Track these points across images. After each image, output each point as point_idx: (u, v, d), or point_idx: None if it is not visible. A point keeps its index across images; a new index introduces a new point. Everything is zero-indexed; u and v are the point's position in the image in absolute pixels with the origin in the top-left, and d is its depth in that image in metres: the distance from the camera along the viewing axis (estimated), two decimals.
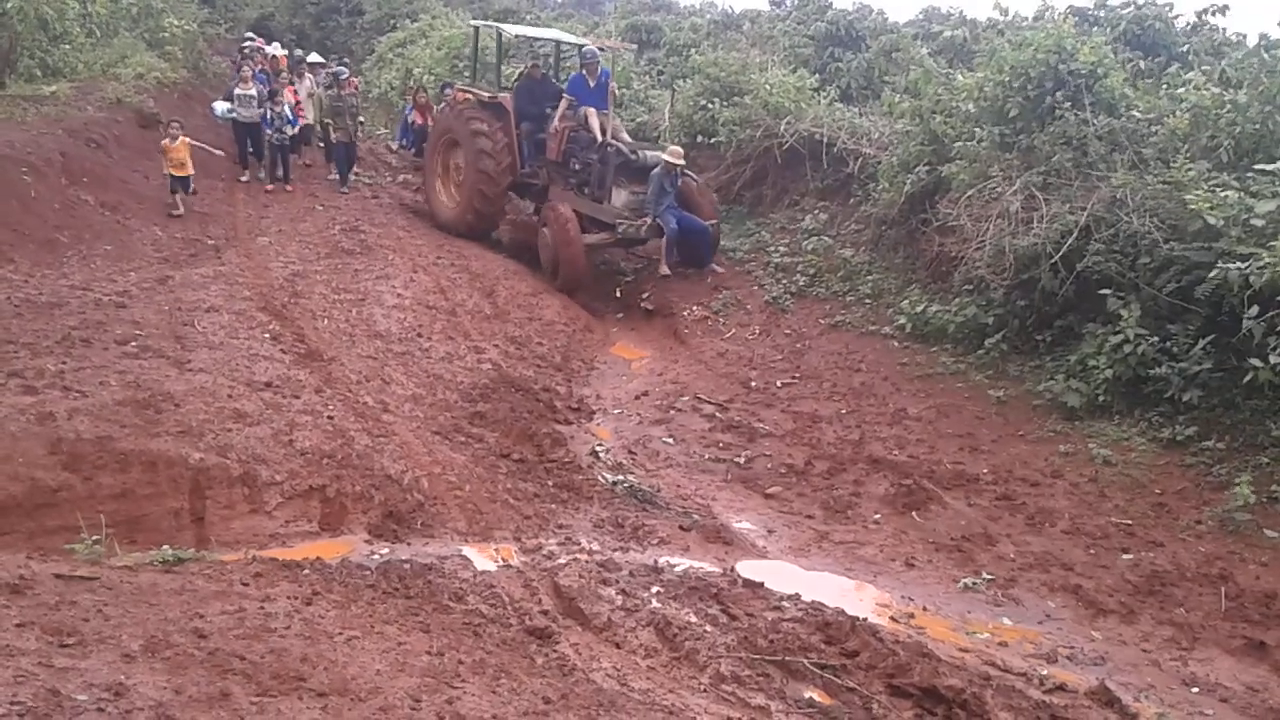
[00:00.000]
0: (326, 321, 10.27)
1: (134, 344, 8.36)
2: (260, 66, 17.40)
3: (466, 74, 19.98)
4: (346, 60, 23.24)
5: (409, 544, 6.68)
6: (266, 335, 9.49)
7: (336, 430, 7.74)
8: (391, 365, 9.52)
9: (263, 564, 5.76)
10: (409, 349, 10.05)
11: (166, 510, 6.58)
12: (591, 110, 13.69)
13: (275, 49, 21.50)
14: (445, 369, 9.80)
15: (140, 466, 6.62)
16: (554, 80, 15.60)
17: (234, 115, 15.69)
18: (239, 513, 6.77)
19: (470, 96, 15.08)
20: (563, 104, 14.08)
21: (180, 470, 6.70)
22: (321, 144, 17.69)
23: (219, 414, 7.43)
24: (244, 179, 15.93)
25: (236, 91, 15.67)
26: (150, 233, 12.18)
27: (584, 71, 14.10)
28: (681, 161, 13.12)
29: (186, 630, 4.25)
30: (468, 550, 6.55)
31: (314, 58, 20.42)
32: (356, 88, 19.10)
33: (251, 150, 16.09)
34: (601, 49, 14.55)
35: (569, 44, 16.43)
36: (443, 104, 16.50)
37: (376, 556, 6.38)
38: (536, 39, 17.04)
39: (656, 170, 12.96)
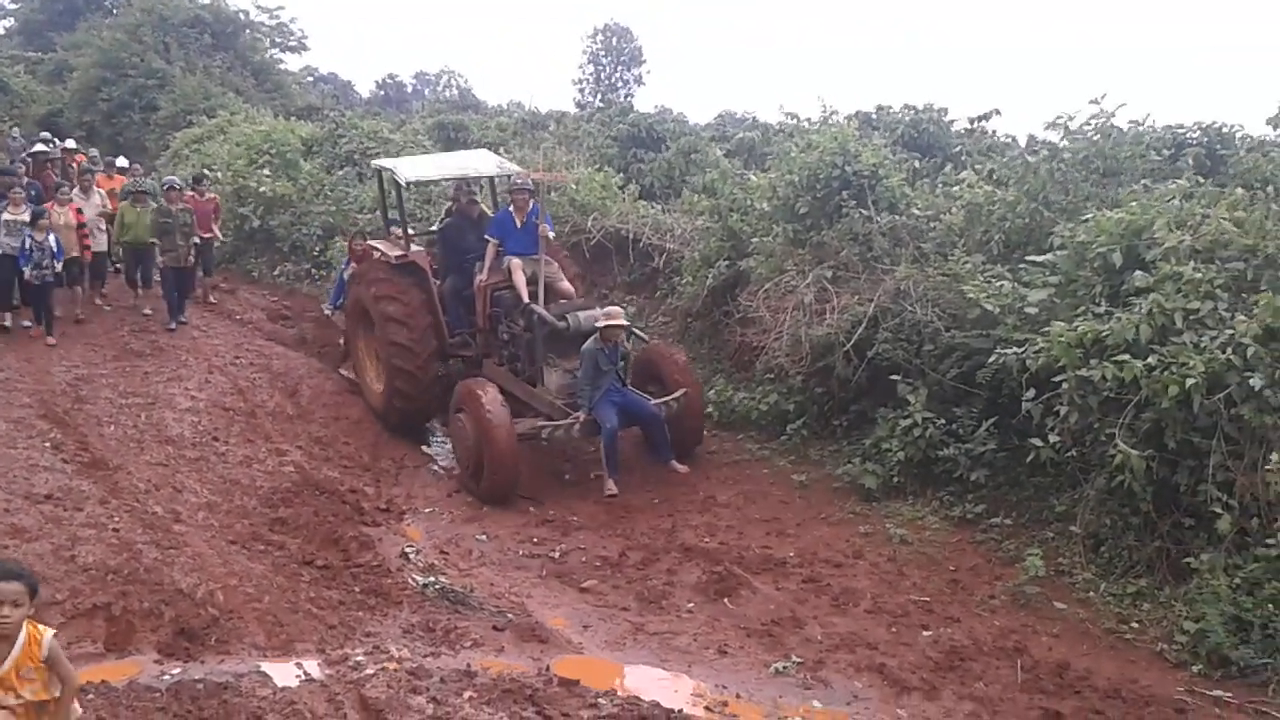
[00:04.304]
0: (113, 428, 9.76)
1: None
2: (29, 177, 14.77)
3: (266, 172, 19.65)
4: (157, 170, 22.08)
5: (203, 662, 6.31)
6: (47, 444, 8.98)
7: (122, 543, 7.32)
8: (184, 472, 9.10)
9: None
10: (203, 454, 9.62)
11: None
12: (517, 261, 10.88)
13: (70, 145, 20.16)
14: (243, 474, 9.41)
15: None
16: (492, 216, 12.18)
17: (1, 250, 12.45)
18: None
19: (376, 253, 12.12)
20: (489, 251, 11.24)
21: None
22: (117, 268, 15.21)
23: None
24: (7, 324, 12.87)
25: (5, 217, 12.54)
26: None
27: (511, 208, 11.23)
28: (622, 323, 10.34)
29: None
30: (266, 666, 6.21)
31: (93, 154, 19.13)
32: (215, 203, 16.26)
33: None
34: (535, 182, 11.41)
35: (478, 177, 12.71)
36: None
37: (167, 677, 5.99)
38: (443, 180, 13.31)
39: (589, 345, 10.14)
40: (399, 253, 11.73)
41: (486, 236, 11.34)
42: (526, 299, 10.66)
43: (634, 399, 10.39)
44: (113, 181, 16.42)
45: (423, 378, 11.29)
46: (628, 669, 6.84)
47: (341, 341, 13.40)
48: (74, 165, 17.17)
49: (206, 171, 18.80)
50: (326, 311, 14.70)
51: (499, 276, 11.17)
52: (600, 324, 10.15)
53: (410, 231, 12.22)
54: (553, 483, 10.49)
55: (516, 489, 9.97)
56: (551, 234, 11.33)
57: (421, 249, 11.98)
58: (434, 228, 12.93)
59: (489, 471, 9.82)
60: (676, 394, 10.41)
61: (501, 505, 9.82)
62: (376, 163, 13.40)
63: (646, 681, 6.59)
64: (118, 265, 15.32)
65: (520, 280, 10.77)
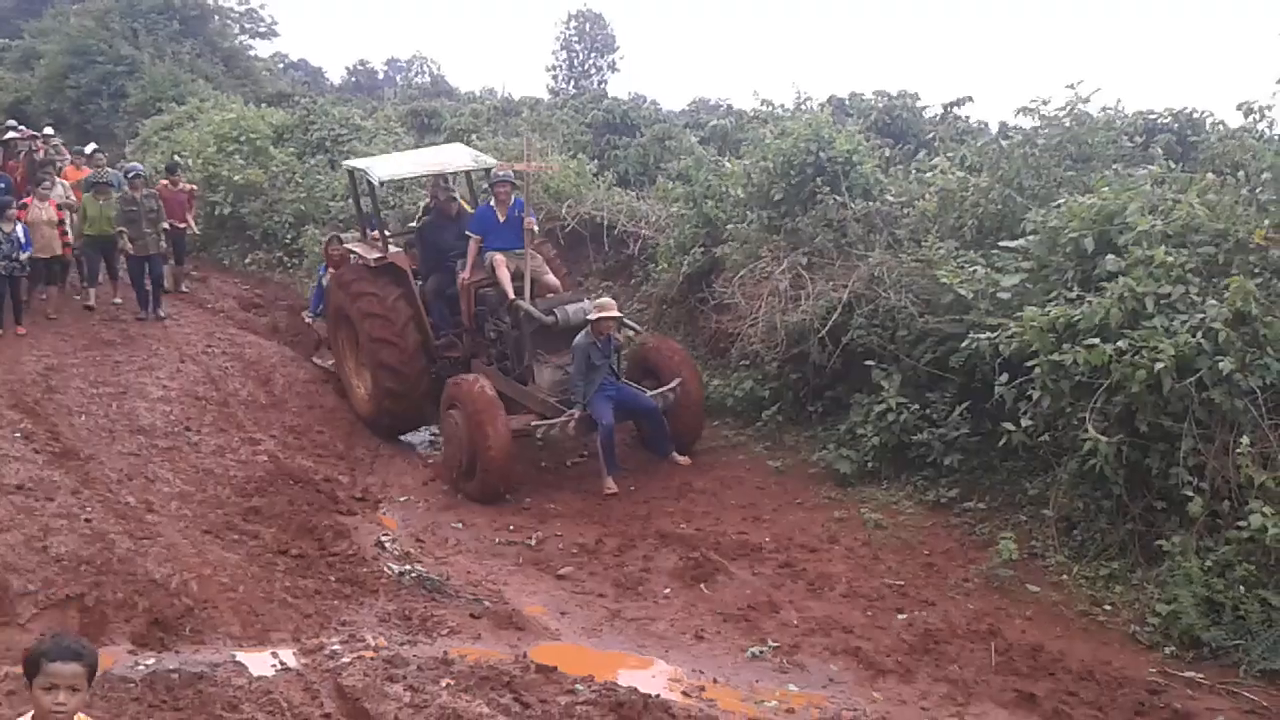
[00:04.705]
0: (84, 417, 9.69)
1: None
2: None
3: (237, 158, 19.47)
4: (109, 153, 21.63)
5: (177, 652, 6.28)
6: (17, 434, 8.92)
7: (95, 534, 7.28)
8: (156, 462, 9.05)
9: (16, 681, 5.25)
10: (176, 444, 9.57)
11: None
12: (499, 257, 10.54)
13: (48, 133, 19.77)
14: (216, 463, 9.36)
15: None
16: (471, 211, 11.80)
17: None
18: None
19: (353, 256, 11.74)
20: (471, 248, 10.85)
21: None
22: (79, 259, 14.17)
23: None
24: None
25: None
26: None
27: (492, 201, 10.94)
28: (614, 315, 9.96)
29: None
30: (242, 655, 6.20)
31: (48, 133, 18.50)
32: (189, 193, 15.97)
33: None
34: (518, 174, 11.01)
35: (455, 172, 12.27)
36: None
37: (141, 667, 5.97)
38: (421, 176, 12.96)
39: (580, 338, 9.78)
40: (378, 255, 11.36)
41: (467, 233, 10.98)
42: (512, 295, 10.33)
43: (630, 392, 10.11)
44: (81, 173, 16.11)
45: (412, 392, 10.98)
46: (606, 655, 6.85)
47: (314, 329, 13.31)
48: (40, 151, 16.81)
49: (178, 159, 18.58)
50: (308, 319, 13.96)
51: (482, 274, 10.83)
52: (591, 316, 9.80)
53: (387, 233, 11.96)
54: (529, 470, 10.47)
55: (509, 486, 9.70)
56: (536, 227, 11.00)
57: (400, 249, 11.62)
58: (413, 224, 12.65)
59: (482, 471, 9.53)
60: (673, 384, 10.14)
61: (493, 503, 9.57)
62: (348, 163, 13.08)
63: (624, 667, 6.61)
64: (78, 257, 14.98)
65: (504, 276, 10.44)
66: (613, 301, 10.26)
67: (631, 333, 11.10)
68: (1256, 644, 6.31)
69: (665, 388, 10.13)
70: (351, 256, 11.83)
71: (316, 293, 13.53)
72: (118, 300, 13.95)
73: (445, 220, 11.60)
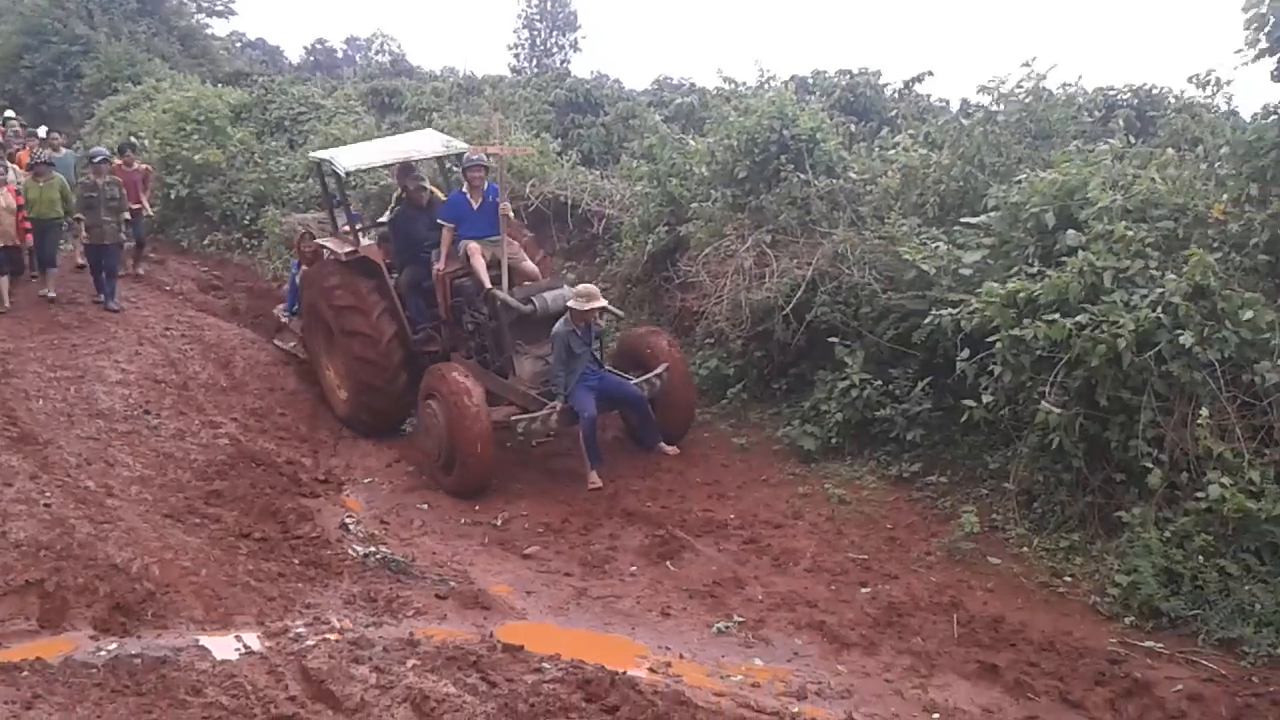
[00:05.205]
0: (41, 402, 9.57)
1: None
2: None
3: (196, 137, 19.21)
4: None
5: (140, 637, 6.21)
6: None
7: (55, 519, 7.20)
8: (116, 446, 8.95)
9: None
10: (135, 427, 9.46)
11: None
12: (474, 245, 10.14)
13: (9, 115, 19.37)
14: (176, 447, 9.27)
15: None
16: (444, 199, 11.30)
17: None
18: None
19: (325, 252, 11.31)
20: (444, 237, 10.39)
21: None
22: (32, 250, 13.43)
23: None
24: None
25: None
26: None
27: (465, 187, 10.57)
28: (600, 304, 9.53)
29: None
30: (205, 639, 6.14)
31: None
32: (144, 174, 15.58)
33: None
34: (490, 157, 10.60)
35: (425, 158, 11.95)
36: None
37: (103, 652, 5.89)
38: (390, 164, 12.40)
39: (559, 326, 9.42)
40: (349, 249, 10.90)
41: (440, 221, 10.52)
42: (488, 284, 9.98)
43: (613, 381, 9.71)
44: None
45: (391, 390, 10.63)
46: (572, 633, 6.85)
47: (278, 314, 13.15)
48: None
49: (134, 139, 18.25)
50: (283, 318, 13.15)
51: (457, 264, 10.42)
52: (578, 306, 9.36)
53: (359, 225, 11.59)
54: (495, 451, 10.42)
55: (490, 480, 9.34)
56: (512, 212, 10.64)
57: (372, 243, 11.21)
58: (382, 219, 12.24)
59: (461, 466, 9.21)
60: (658, 370, 9.78)
61: (473, 498, 9.24)
62: (314, 155, 12.69)
63: (591, 645, 6.59)
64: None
65: (480, 265, 10.05)
66: (596, 289, 9.75)
67: (617, 315, 10.80)
68: (1215, 613, 6.40)
69: (650, 374, 9.79)
70: (323, 252, 11.43)
71: (291, 290, 13.03)
72: (52, 294, 13.05)
73: (416, 210, 11.18)
